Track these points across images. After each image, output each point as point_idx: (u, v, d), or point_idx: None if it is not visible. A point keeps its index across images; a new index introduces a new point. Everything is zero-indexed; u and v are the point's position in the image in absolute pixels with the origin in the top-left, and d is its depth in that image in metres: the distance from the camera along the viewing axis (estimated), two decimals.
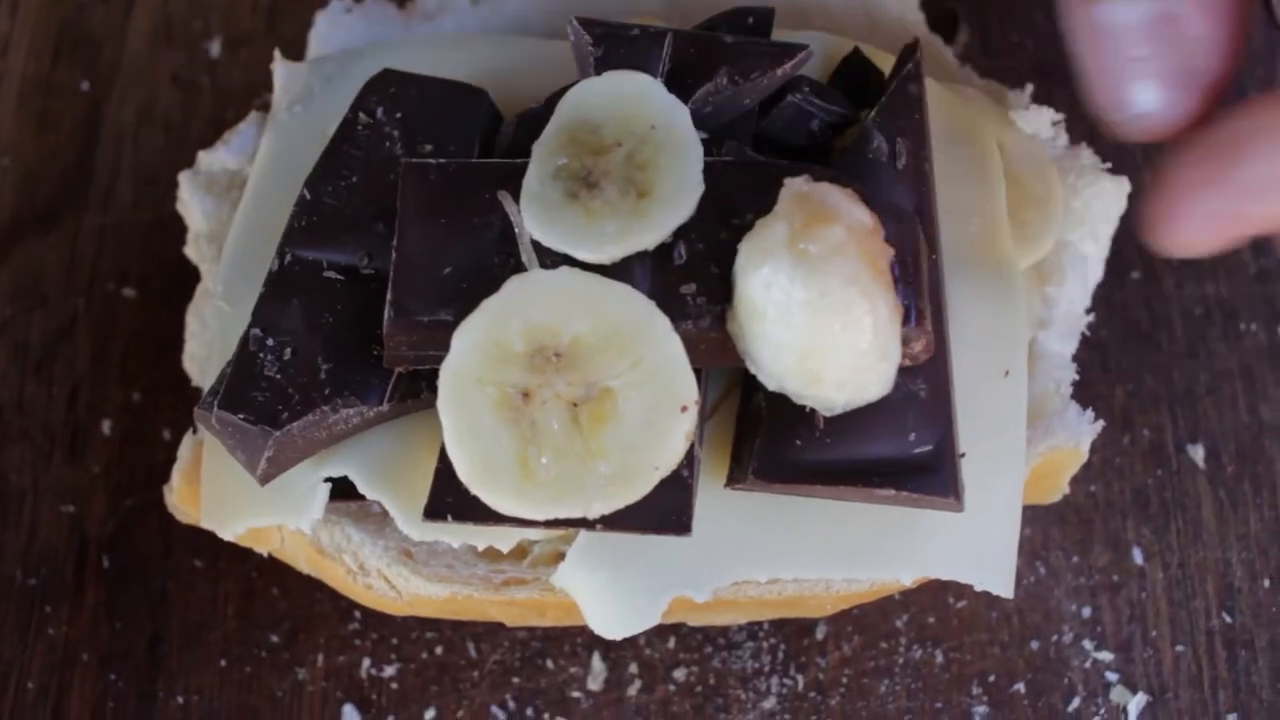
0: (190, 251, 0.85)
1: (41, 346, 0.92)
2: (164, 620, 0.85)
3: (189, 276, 0.88)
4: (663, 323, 0.66)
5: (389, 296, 0.68)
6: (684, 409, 0.65)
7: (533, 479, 0.65)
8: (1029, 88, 0.84)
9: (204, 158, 0.85)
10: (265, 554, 0.79)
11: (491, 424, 0.65)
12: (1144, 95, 0.65)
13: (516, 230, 0.68)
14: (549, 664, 0.83)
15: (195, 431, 0.79)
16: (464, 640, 0.83)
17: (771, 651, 0.83)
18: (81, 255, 0.95)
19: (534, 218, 0.68)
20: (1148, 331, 0.90)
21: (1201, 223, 0.63)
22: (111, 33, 1.01)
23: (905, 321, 0.66)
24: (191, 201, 0.84)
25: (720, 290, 0.67)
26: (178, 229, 0.88)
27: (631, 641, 0.82)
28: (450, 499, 0.68)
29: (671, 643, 0.83)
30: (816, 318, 0.63)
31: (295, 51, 0.89)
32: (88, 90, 1.00)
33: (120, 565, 0.86)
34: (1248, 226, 0.63)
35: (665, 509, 0.67)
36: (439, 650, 0.83)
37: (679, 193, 0.69)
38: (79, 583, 0.86)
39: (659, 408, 0.65)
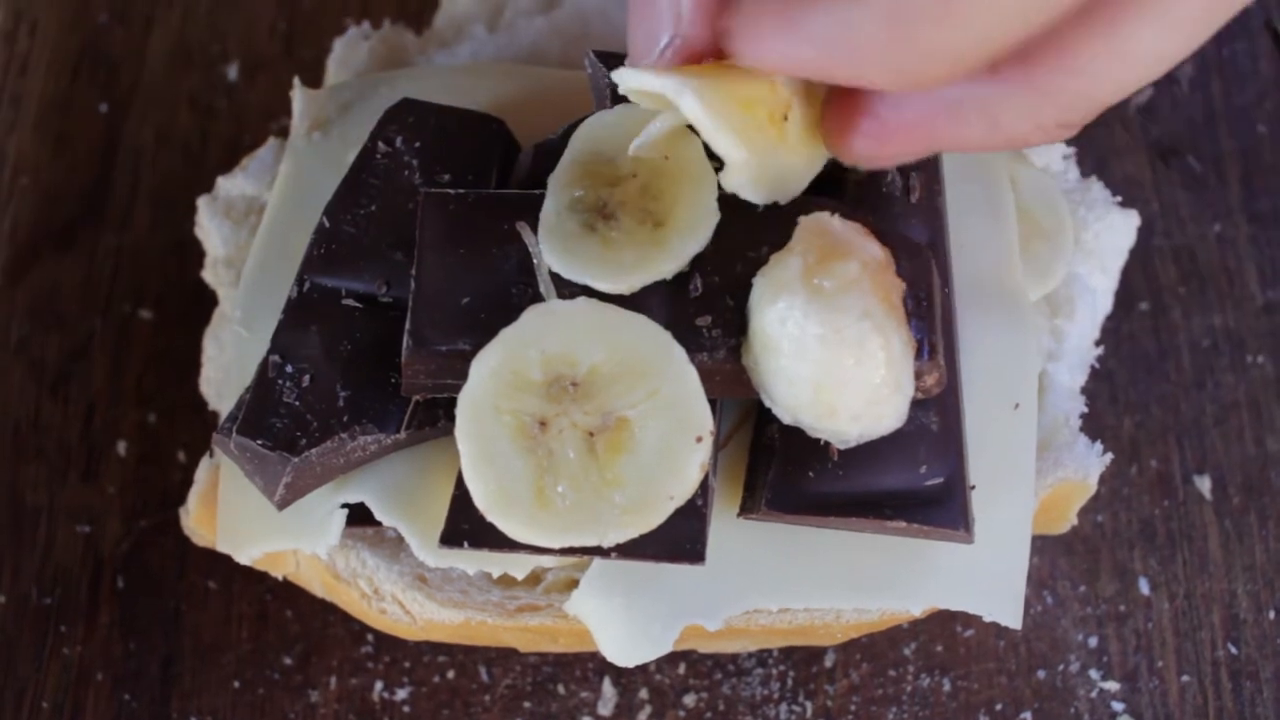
0: (208, 276, 0.85)
1: (58, 366, 0.93)
2: (177, 641, 0.85)
3: (205, 299, 0.88)
4: (679, 354, 0.66)
5: (407, 326, 0.69)
6: (699, 439, 0.66)
7: (549, 507, 0.66)
8: None
9: (222, 183, 0.86)
10: (280, 577, 0.80)
11: (508, 452, 0.66)
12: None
13: (535, 261, 0.69)
14: (560, 689, 0.83)
15: (212, 455, 0.80)
16: (476, 664, 0.84)
17: (781, 678, 0.83)
18: (98, 276, 0.95)
19: (552, 250, 0.69)
20: (1155, 363, 0.91)
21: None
22: (130, 55, 1.02)
23: (918, 355, 0.67)
24: (210, 226, 0.85)
25: (736, 323, 0.68)
26: (194, 251, 0.89)
27: (642, 667, 0.83)
28: (466, 526, 0.69)
29: (682, 669, 0.83)
30: (830, 352, 0.64)
31: (312, 75, 0.90)
32: (106, 111, 1.01)
33: (134, 586, 0.87)
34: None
35: (679, 538, 0.68)
36: (451, 674, 0.84)
37: (695, 221, 0.70)
38: (93, 602, 0.86)
39: (674, 438, 0.66)
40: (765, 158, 0.66)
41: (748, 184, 0.67)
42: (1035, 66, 0.60)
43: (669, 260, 0.69)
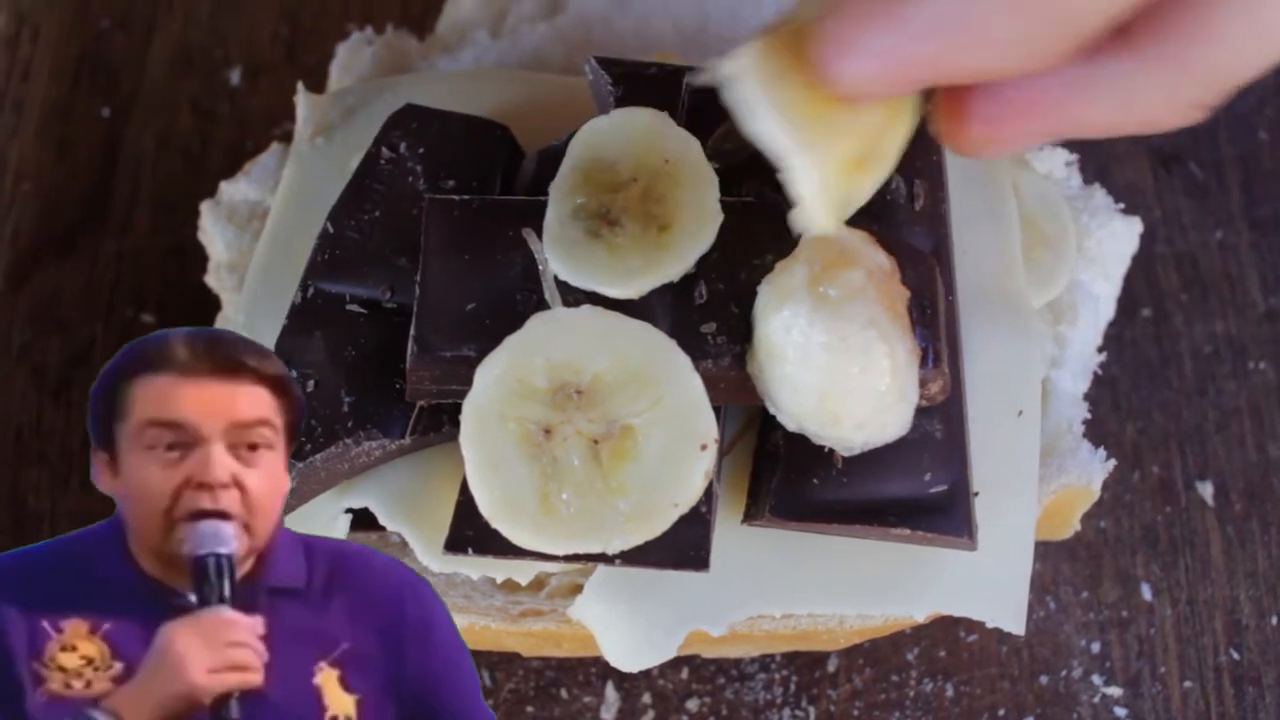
0: (211, 280, 0.85)
1: (59, 371, 0.93)
2: None
3: (206, 303, 0.88)
4: (684, 362, 0.66)
5: (412, 332, 0.69)
6: (703, 447, 0.66)
7: (553, 514, 0.66)
8: None
9: (225, 188, 0.86)
10: None
11: (513, 459, 0.66)
12: None
13: (540, 269, 0.69)
14: (563, 693, 0.83)
15: None
16: (479, 669, 0.83)
17: (784, 683, 0.83)
18: (100, 280, 0.95)
19: (558, 257, 0.69)
20: (1157, 369, 0.91)
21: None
22: (131, 60, 1.02)
23: (923, 363, 0.67)
24: (213, 231, 0.85)
25: (740, 330, 0.68)
26: (195, 255, 0.89)
27: (645, 672, 0.83)
28: (471, 532, 0.69)
29: (685, 673, 0.83)
30: (835, 360, 0.64)
31: (314, 80, 0.90)
32: (107, 116, 1.01)
33: None
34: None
35: (683, 545, 0.68)
36: None
37: (699, 223, 0.70)
38: None
39: (679, 446, 0.66)
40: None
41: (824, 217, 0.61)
42: (1171, 38, 0.57)
43: (676, 263, 0.69)
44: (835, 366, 0.64)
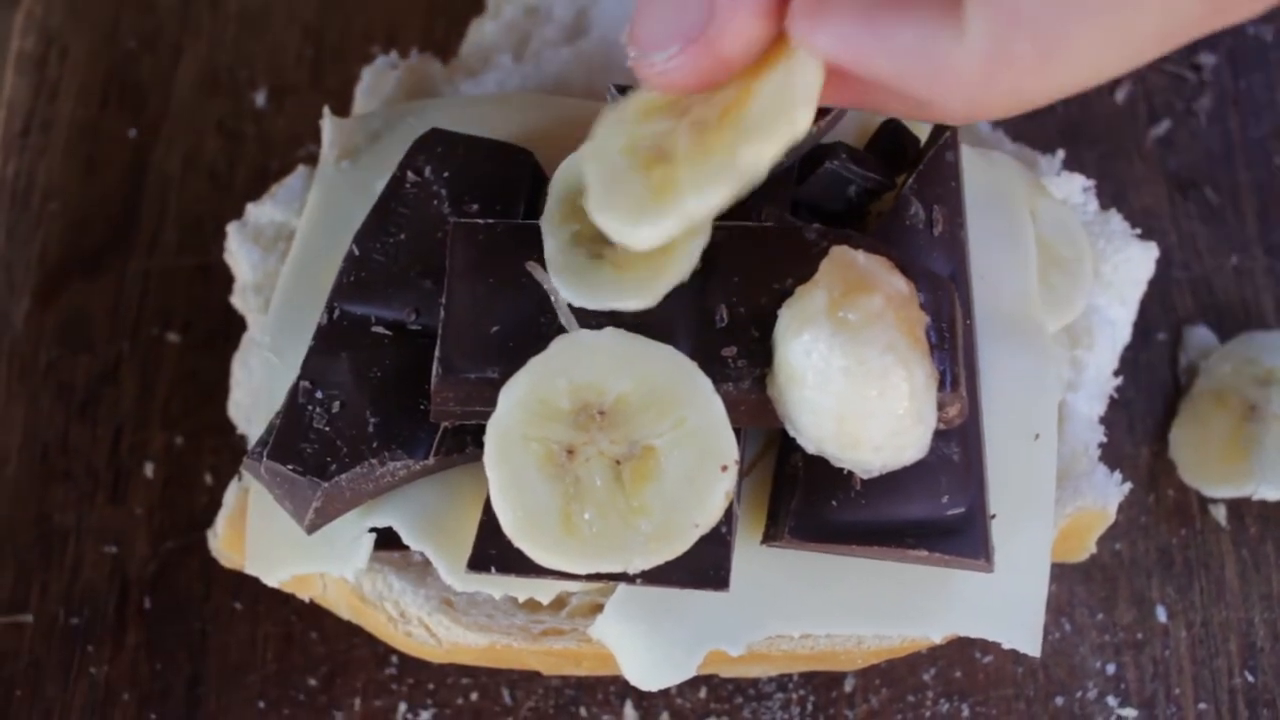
0: (237, 301, 0.86)
1: (86, 389, 0.94)
2: (203, 661, 0.86)
3: (232, 322, 0.90)
4: (705, 384, 0.67)
5: (437, 353, 0.70)
6: (724, 468, 0.67)
7: (576, 534, 0.67)
8: (1060, 154, 0.86)
9: (252, 210, 0.87)
10: (306, 599, 0.81)
11: (536, 479, 0.67)
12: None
13: (553, 298, 0.70)
14: (583, 711, 0.84)
15: (240, 479, 0.81)
16: (499, 687, 0.85)
17: (801, 703, 0.84)
18: (126, 300, 0.97)
19: (567, 284, 0.70)
20: (1173, 393, 0.91)
21: (833, 41, 0.59)
22: (159, 81, 1.04)
23: (941, 387, 0.68)
24: (239, 252, 0.86)
25: (761, 354, 0.69)
26: (221, 275, 0.90)
27: (664, 691, 0.84)
28: (494, 551, 0.70)
29: (703, 693, 0.84)
30: (855, 384, 0.65)
31: (338, 102, 0.91)
32: (135, 137, 1.02)
33: (161, 606, 0.88)
34: (863, 68, 0.59)
35: (704, 565, 0.69)
36: (474, 696, 0.85)
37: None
38: (120, 623, 0.87)
39: (700, 467, 0.67)
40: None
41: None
42: None
43: (683, 261, 0.69)
44: (854, 390, 0.65)
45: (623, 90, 0.76)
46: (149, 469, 0.91)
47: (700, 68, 0.61)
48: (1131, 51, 0.56)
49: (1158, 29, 0.55)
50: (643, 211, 0.64)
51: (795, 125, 0.61)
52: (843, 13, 0.59)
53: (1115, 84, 0.99)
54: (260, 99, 1.03)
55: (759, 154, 0.62)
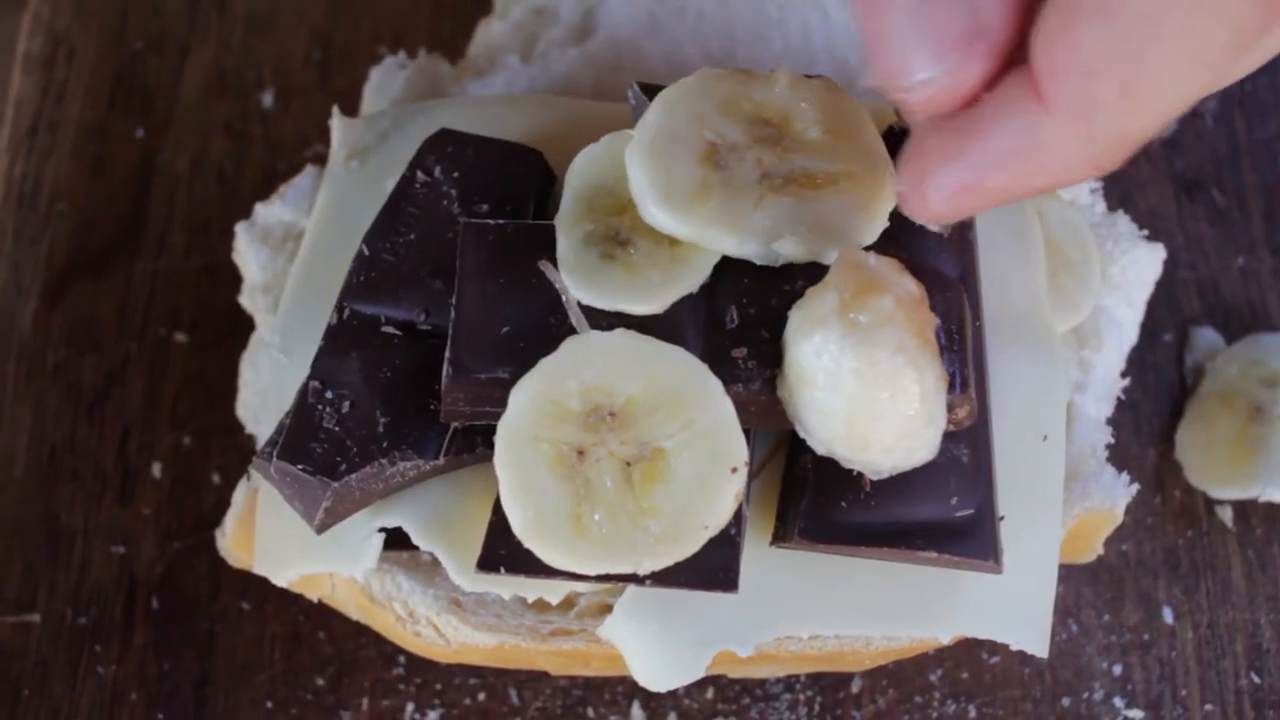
0: (245, 301, 0.87)
1: (94, 389, 0.94)
2: (211, 661, 0.86)
3: (239, 323, 0.90)
4: (715, 385, 0.67)
5: (447, 354, 0.70)
6: (734, 470, 0.67)
7: (585, 535, 0.67)
8: None
9: (260, 210, 0.87)
10: (315, 599, 0.81)
11: (546, 480, 0.67)
12: (923, 59, 0.59)
13: (564, 298, 0.70)
14: (590, 712, 0.84)
15: (249, 479, 0.81)
16: (506, 687, 0.85)
17: (808, 704, 0.84)
18: (134, 300, 0.97)
19: (578, 284, 0.70)
20: (1179, 394, 0.92)
21: (946, 194, 0.62)
22: (166, 82, 1.04)
23: (950, 389, 0.68)
24: (248, 252, 0.86)
25: (771, 355, 0.69)
26: (228, 276, 0.90)
27: (671, 691, 0.84)
28: (503, 552, 0.70)
29: (710, 693, 0.84)
30: (865, 386, 0.65)
31: (346, 103, 0.91)
32: (142, 138, 1.02)
33: (169, 606, 0.88)
34: (989, 197, 0.62)
35: (713, 566, 0.69)
36: (482, 696, 0.85)
37: None
38: (128, 623, 0.87)
39: (710, 468, 0.67)
40: None
41: None
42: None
43: (694, 273, 0.70)
44: (864, 392, 0.65)
45: (645, 89, 0.76)
46: (157, 469, 0.91)
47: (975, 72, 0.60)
48: (1206, 67, 0.56)
49: (1225, 40, 0.56)
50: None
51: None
52: (938, 168, 0.61)
53: None
54: (268, 100, 1.03)
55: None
